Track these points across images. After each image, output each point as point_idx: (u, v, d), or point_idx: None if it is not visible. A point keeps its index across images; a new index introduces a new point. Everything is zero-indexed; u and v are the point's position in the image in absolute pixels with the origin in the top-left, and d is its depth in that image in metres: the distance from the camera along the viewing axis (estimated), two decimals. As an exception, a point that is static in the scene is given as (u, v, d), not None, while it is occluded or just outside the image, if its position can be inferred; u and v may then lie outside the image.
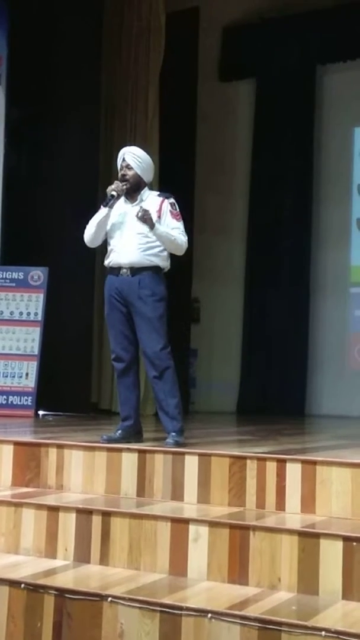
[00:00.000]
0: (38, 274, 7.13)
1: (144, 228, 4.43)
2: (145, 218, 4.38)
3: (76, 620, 3.20)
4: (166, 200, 4.54)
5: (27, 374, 7.00)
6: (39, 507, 3.81)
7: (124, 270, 4.46)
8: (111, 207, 4.50)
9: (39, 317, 7.08)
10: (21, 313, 7.09)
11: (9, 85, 7.29)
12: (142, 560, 3.53)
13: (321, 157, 8.94)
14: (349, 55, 8.65)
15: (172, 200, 4.56)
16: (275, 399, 8.59)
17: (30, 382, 6.99)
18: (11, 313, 7.09)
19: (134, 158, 4.57)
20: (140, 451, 4.04)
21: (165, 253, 4.53)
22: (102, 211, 4.53)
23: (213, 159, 8.98)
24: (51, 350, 7.12)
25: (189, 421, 4.56)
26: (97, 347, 8.18)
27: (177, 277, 8.42)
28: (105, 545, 3.61)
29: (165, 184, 8.26)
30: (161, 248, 4.50)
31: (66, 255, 7.61)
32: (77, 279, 7.77)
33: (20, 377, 7.00)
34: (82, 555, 3.66)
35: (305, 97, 8.87)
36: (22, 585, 3.33)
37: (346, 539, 3.21)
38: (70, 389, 7.47)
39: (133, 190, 4.54)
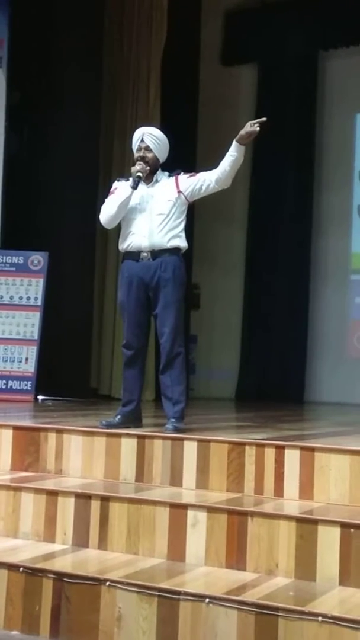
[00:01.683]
0: (38, 259, 7.12)
1: (165, 209, 4.39)
2: (250, 139, 4.33)
3: (74, 604, 3.22)
4: (178, 176, 4.51)
5: (26, 359, 7.00)
6: (38, 491, 3.82)
7: (145, 254, 4.40)
8: (136, 188, 4.41)
9: (39, 302, 7.07)
10: (21, 298, 7.09)
11: (9, 68, 7.24)
12: (140, 545, 3.55)
13: (323, 143, 8.90)
14: (352, 41, 8.59)
15: (181, 172, 4.55)
16: (275, 385, 8.60)
17: (30, 367, 6.99)
18: (11, 298, 7.08)
19: (153, 140, 4.51)
20: (139, 436, 4.05)
21: (184, 233, 4.48)
22: (126, 191, 4.42)
23: (214, 144, 8.89)
24: (51, 335, 7.12)
25: (188, 407, 4.57)
26: (97, 332, 8.18)
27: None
28: (103, 530, 3.63)
29: (165, 169, 8.24)
30: (181, 228, 4.46)
31: (66, 239, 7.61)
32: (77, 264, 7.77)
33: (20, 361, 7.00)
34: (80, 540, 3.67)
35: (308, 82, 8.83)
36: (21, 569, 3.34)
37: (344, 526, 3.22)
38: (69, 374, 7.49)
39: (150, 172, 4.50)
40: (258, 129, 4.28)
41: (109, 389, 7.93)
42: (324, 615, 2.81)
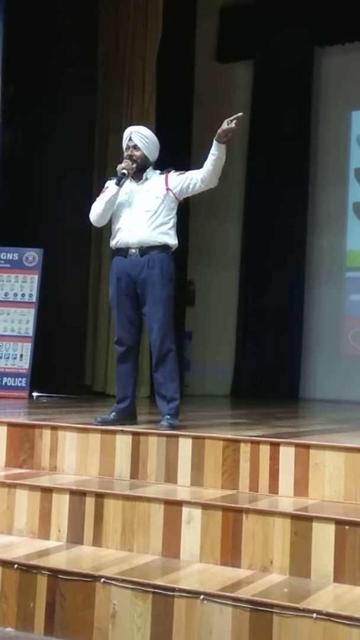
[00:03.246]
0: (33, 255, 7.11)
1: (153, 206, 4.41)
2: (229, 136, 4.29)
3: (69, 601, 3.22)
4: (168, 174, 4.52)
5: (21, 356, 6.99)
6: (33, 488, 3.82)
7: (133, 250, 4.42)
8: (121, 185, 4.45)
9: (34, 299, 7.05)
10: (16, 294, 7.07)
11: (4, 63, 7.22)
12: (135, 542, 3.55)
13: (318, 141, 8.91)
14: (347, 38, 8.60)
15: (172, 170, 4.56)
16: (270, 382, 8.61)
17: (25, 364, 6.98)
18: (5, 294, 7.06)
19: (141, 138, 4.54)
20: (134, 433, 4.05)
21: (173, 231, 4.49)
22: (112, 189, 4.48)
23: (210, 142, 8.91)
24: (46, 332, 7.11)
25: (183, 404, 4.57)
26: (92, 329, 8.17)
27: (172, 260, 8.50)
28: (98, 527, 3.62)
29: (160, 166, 8.23)
30: (170, 225, 4.47)
31: (61, 236, 7.59)
32: (72, 261, 7.75)
33: (15, 358, 6.99)
34: (75, 537, 3.67)
35: (303, 79, 8.83)
36: (15, 566, 3.34)
37: (338, 522, 3.22)
38: (64, 370, 7.48)
39: (139, 170, 4.52)
40: (234, 126, 4.27)
41: (104, 386, 7.93)
42: (319, 612, 2.82)
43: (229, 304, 9.11)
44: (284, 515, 3.31)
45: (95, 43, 8.19)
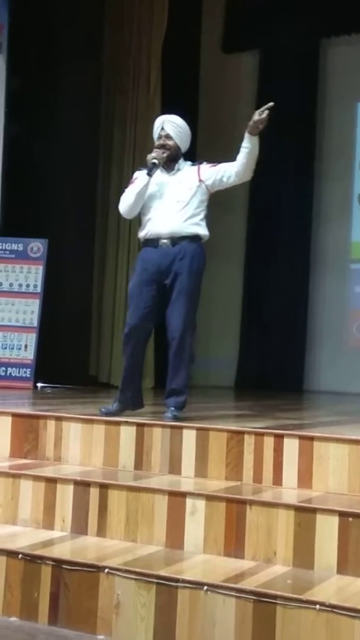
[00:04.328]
0: (37, 246, 7.11)
1: (185, 197, 4.36)
2: (260, 128, 4.23)
3: (73, 591, 3.23)
4: (200, 165, 4.45)
5: (26, 346, 7.00)
6: (37, 478, 3.83)
7: (164, 241, 4.35)
8: (152, 175, 4.36)
9: (38, 289, 7.06)
10: (20, 285, 7.08)
11: (9, 54, 7.20)
12: (139, 533, 3.55)
13: (324, 132, 8.87)
14: (353, 28, 8.54)
15: (204, 162, 4.48)
16: (274, 374, 8.60)
17: (29, 354, 6.99)
18: (10, 285, 7.07)
19: (174, 127, 4.46)
20: (138, 424, 4.05)
21: (204, 222, 4.45)
22: (143, 179, 4.37)
23: (214, 132, 8.89)
24: (50, 322, 7.12)
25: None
26: (96, 319, 8.18)
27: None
28: (102, 517, 3.63)
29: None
30: (201, 217, 4.44)
31: (66, 226, 7.59)
32: (76, 251, 7.76)
33: (19, 349, 7.00)
34: (79, 527, 3.68)
35: (309, 70, 8.79)
36: (20, 556, 3.35)
37: (342, 515, 3.22)
38: (69, 361, 7.49)
39: (170, 160, 4.44)
40: (266, 116, 4.23)
41: (108, 377, 7.93)
42: (322, 604, 2.83)
43: (233, 295, 9.09)
44: (287, 507, 3.31)
45: (100, 35, 8.16)
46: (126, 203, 4.44)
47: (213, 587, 3.00)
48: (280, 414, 5.15)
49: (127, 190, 4.48)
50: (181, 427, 3.96)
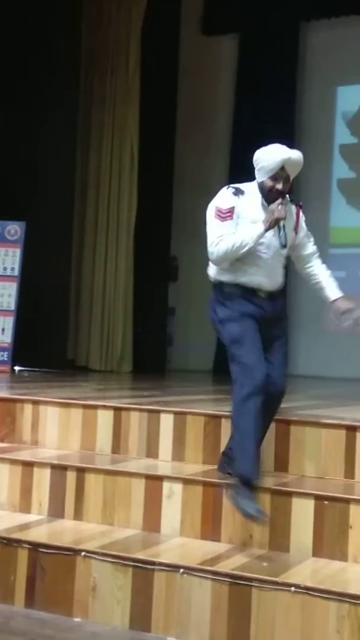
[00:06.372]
0: (15, 228, 7.05)
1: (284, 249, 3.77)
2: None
3: (49, 574, 3.23)
4: (300, 215, 3.78)
5: (3, 330, 6.96)
6: (14, 462, 3.82)
7: (262, 293, 3.74)
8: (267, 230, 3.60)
9: (16, 272, 7.01)
10: (-3, 268, 7.02)
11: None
12: (116, 516, 3.56)
13: (303, 116, 8.85)
14: (333, 12, 8.52)
15: (301, 204, 3.82)
16: (252, 358, 8.61)
17: (7, 338, 6.95)
18: (-13, 268, 7.01)
19: (296, 170, 3.67)
20: (115, 408, 4.05)
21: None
22: (260, 233, 3.57)
23: (194, 115, 8.87)
24: (28, 305, 7.08)
25: (165, 379, 4.57)
26: (74, 303, 8.15)
27: (156, 235, 8.47)
28: (79, 501, 3.63)
29: (145, 139, 8.17)
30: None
31: (44, 209, 7.53)
32: (54, 234, 7.70)
33: (-3, 332, 6.96)
34: (56, 511, 3.68)
35: (288, 54, 8.75)
36: (-4, 540, 3.35)
37: (317, 498, 3.25)
38: (46, 345, 7.46)
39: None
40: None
41: (86, 361, 7.92)
42: (297, 586, 2.85)
43: (211, 279, 9.08)
44: (264, 490, 3.33)
45: (79, 16, 8.07)
46: (233, 254, 3.59)
47: (189, 570, 3.02)
48: (258, 398, 5.15)
49: (224, 232, 3.55)
50: (158, 411, 3.97)
